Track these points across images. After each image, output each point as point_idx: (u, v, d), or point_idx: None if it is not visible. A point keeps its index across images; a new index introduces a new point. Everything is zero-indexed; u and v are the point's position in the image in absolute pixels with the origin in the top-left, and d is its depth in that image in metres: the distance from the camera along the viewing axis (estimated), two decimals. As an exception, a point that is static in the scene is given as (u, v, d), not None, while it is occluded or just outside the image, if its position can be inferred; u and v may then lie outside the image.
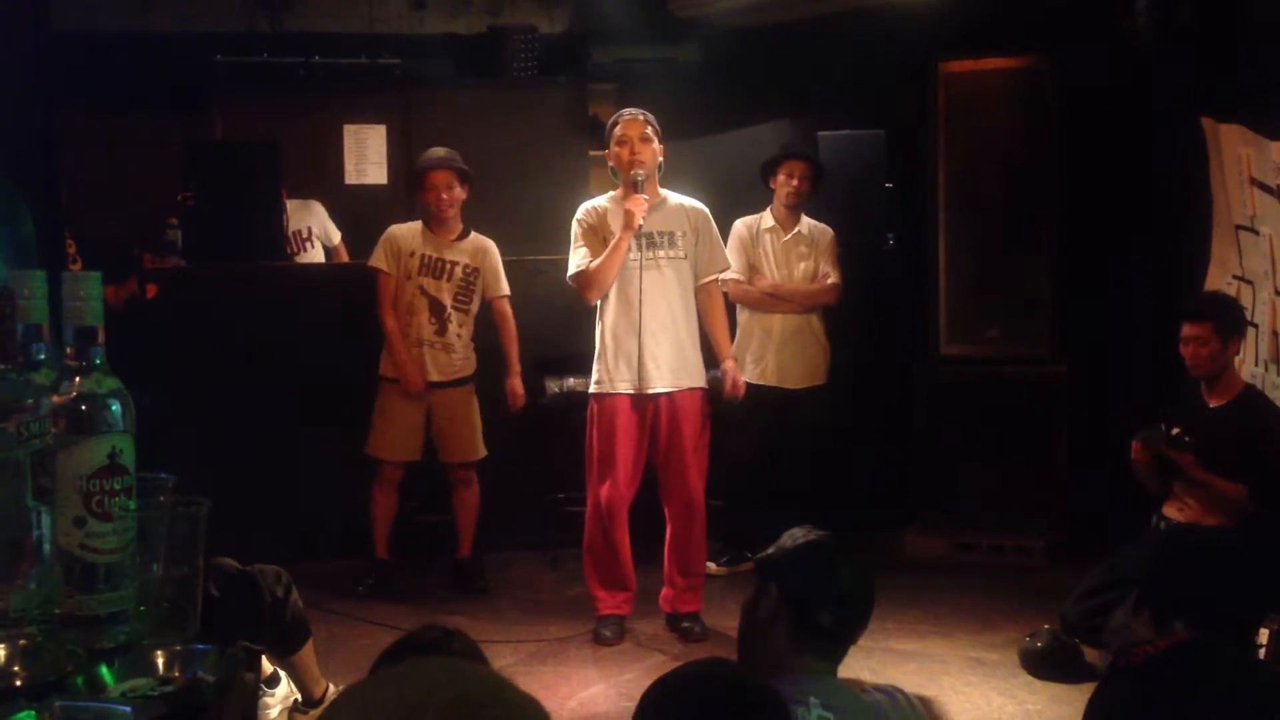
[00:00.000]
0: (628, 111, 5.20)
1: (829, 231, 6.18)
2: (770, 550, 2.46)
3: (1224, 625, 2.43)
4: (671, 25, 7.10)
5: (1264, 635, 4.26)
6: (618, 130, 5.13)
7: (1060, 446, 6.27)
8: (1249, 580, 2.58)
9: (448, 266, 5.84)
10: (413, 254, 5.83)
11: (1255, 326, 5.23)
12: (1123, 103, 6.11)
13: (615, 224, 5.08)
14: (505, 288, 5.93)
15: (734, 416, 5.93)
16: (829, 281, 6.08)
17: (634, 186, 5.04)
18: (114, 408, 1.52)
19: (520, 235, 6.51)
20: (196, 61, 7.03)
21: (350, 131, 7.26)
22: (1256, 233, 5.24)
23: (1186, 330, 4.82)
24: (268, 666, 4.10)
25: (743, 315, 6.13)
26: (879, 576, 2.43)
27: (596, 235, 5.11)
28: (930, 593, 5.72)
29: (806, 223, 6.15)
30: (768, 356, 6.04)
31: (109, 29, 7.06)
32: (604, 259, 5.02)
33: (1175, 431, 4.73)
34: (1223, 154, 5.40)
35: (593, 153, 7.60)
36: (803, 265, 6.13)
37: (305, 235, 6.99)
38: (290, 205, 6.87)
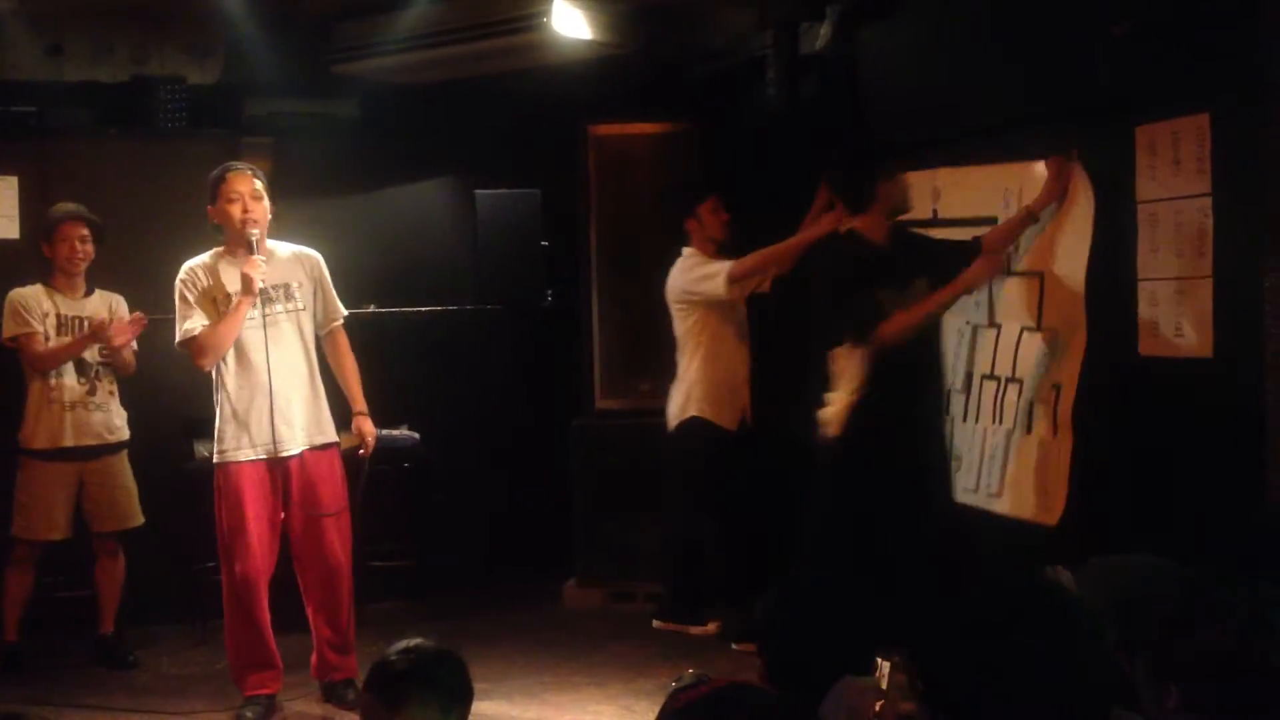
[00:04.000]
0: (235, 166, 4.97)
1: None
2: None
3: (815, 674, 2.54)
4: (329, 80, 7.01)
5: (885, 668, 4.52)
6: (226, 186, 4.88)
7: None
8: (843, 632, 2.66)
9: (85, 325, 5.60)
10: (46, 315, 5.58)
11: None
12: (757, 166, 6.42)
13: (228, 283, 4.88)
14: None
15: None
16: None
17: (249, 247, 4.85)
18: None
19: (165, 293, 6.23)
20: None
21: (-21, 182, 6.77)
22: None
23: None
24: None
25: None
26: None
27: (208, 297, 4.87)
28: (587, 643, 5.83)
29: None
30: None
31: None
32: (224, 324, 4.80)
33: None
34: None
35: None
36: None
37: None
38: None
